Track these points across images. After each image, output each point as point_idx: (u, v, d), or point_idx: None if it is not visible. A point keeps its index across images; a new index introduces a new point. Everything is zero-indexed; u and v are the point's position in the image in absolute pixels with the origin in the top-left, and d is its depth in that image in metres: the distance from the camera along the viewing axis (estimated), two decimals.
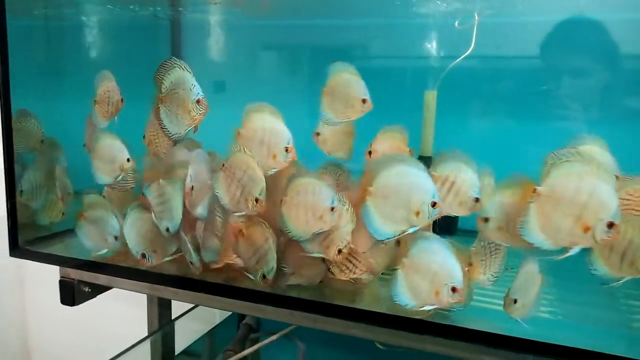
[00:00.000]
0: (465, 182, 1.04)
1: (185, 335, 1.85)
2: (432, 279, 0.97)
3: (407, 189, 1.00)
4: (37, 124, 1.56)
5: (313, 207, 1.06)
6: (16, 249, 1.42)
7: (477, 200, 1.03)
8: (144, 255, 1.26)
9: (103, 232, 1.32)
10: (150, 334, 1.80)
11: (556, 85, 1.51)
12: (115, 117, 1.39)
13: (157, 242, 1.27)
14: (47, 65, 1.86)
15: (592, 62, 1.49)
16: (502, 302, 1.01)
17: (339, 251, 1.07)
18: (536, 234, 0.93)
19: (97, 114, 1.38)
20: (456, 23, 1.48)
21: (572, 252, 0.91)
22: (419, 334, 1.01)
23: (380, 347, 1.53)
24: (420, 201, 0.98)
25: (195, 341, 1.87)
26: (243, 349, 1.68)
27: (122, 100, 1.38)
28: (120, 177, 1.32)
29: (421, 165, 1.00)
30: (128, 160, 1.31)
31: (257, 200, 1.09)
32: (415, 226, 1.01)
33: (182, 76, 1.12)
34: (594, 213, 0.86)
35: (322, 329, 1.10)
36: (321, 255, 1.10)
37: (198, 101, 1.11)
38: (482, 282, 1.09)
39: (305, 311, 1.11)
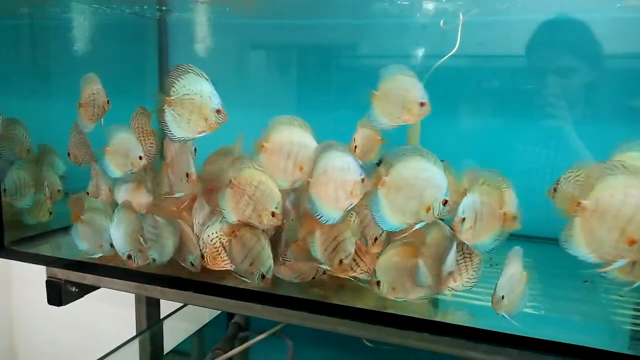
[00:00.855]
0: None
1: (174, 334, 1.85)
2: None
3: (422, 184, 1.00)
4: (24, 132, 1.55)
5: (343, 183, 1.05)
6: (2, 249, 1.41)
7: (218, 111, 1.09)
8: (129, 257, 1.27)
9: (100, 238, 1.32)
10: (138, 333, 1.80)
11: (543, 83, 1.53)
12: (102, 120, 1.39)
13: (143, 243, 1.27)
14: (30, 66, 1.85)
15: (579, 60, 1.51)
16: (490, 299, 1.02)
17: (340, 261, 1.07)
18: (581, 247, 0.93)
19: (82, 117, 1.39)
20: (441, 22, 1.49)
21: (615, 266, 0.92)
22: (406, 329, 1.02)
23: (368, 344, 1.55)
24: (433, 197, 0.99)
25: (184, 340, 1.86)
26: (232, 347, 1.68)
27: (108, 102, 1.38)
28: (131, 172, 1.33)
29: (439, 161, 1.00)
30: (140, 158, 1.32)
31: (273, 213, 1.09)
32: (423, 221, 1.02)
33: (200, 83, 1.11)
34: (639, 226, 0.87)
35: (311, 327, 1.11)
36: (325, 266, 1.11)
37: (218, 110, 1.11)
38: (455, 288, 1.11)
39: (293, 309, 1.12)
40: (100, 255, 1.35)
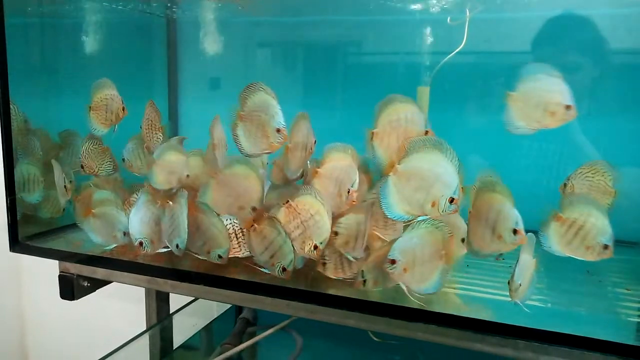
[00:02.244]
0: (594, 227, 1.02)
1: (183, 329, 1.87)
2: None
3: (433, 177, 1.00)
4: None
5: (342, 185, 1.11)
6: (16, 244, 1.44)
7: (606, 247, 1.01)
8: (141, 243, 1.29)
9: (113, 228, 1.34)
10: (148, 328, 1.82)
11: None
12: (115, 126, 1.42)
13: (157, 232, 1.30)
14: (41, 64, 1.87)
15: (584, 57, 1.52)
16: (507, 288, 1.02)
17: (315, 247, 1.10)
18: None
19: (93, 120, 1.40)
20: (448, 19, 1.50)
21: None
22: (414, 321, 1.03)
23: (375, 339, 1.56)
24: (440, 193, 0.99)
25: (193, 335, 1.88)
26: (240, 342, 1.69)
27: (123, 108, 1.40)
28: (175, 189, 1.34)
29: (456, 159, 0.99)
30: (187, 176, 1.35)
31: (316, 247, 1.11)
32: (426, 215, 1.02)
33: (267, 101, 1.14)
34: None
35: (320, 320, 1.13)
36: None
37: (278, 130, 1.13)
38: None
39: (302, 302, 1.13)
40: (115, 245, 1.37)
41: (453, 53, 1.46)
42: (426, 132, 1.10)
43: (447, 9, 1.49)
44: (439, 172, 1.00)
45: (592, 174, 1.18)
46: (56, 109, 1.75)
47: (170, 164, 1.34)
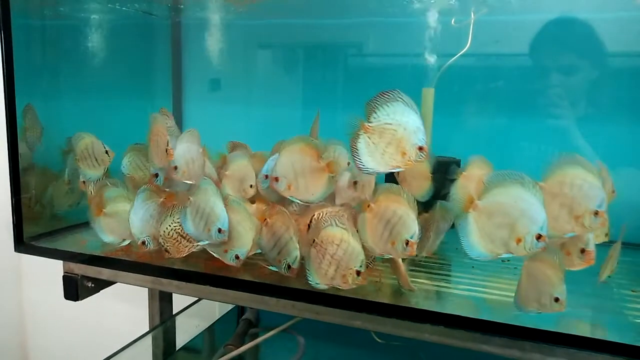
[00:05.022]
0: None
1: (185, 330, 1.87)
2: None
3: (517, 214, 0.95)
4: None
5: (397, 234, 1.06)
6: (21, 244, 1.44)
7: (420, 148, 1.00)
8: (144, 242, 1.30)
9: (126, 225, 1.33)
10: (151, 329, 1.82)
11: (553, 82, 1.54)
12: (106, 168, 1.44)
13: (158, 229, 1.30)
14: (45, 64, 1.87)
15: (587, 60, 1.52)
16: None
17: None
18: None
19: (82, 169, 1.43)
20: (452, 21, 1.50)
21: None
22: (421, 322, 1.03)
23: (379, 340, 1.56)
24: (526, 230, 0.94)
25: (195, 337, 1.88)
26: (243, 343, 1.69)
27: (107, 152, 1.43)
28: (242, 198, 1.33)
29: (539, 193, 0.95)
30: (251, 186, 1.37)
31: (358, 273, 1.04)
32: (510, 253, 0.97)
33: (407, 114, 1.01)
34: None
35: (325, 321, 1.12)
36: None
37: (420, 148, 1.01)
38: None
39: (308, 302, 1.13)
40: (129, 242, 1.38)
41: (458, 55, 1.47)
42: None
43: (452, 11, 1.49)
44: (523, 207, 0.95)
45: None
46: (58, 111, 1.75)
47: (238, 173, 1.38)
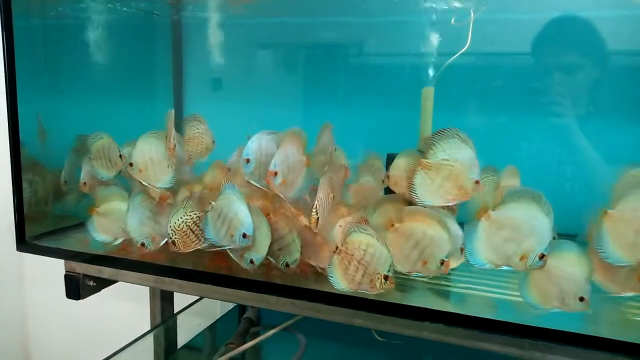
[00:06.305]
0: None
1: (187, 329, 1.88)
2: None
3: (528, 231, 0.96)
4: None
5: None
6: (23, 243, 1.44)
7: (477, 182, 1.04)
8: (143, 244, 1.30)
9: (121, 221, 1.34)
10: (153, 328, 1.82)
11: (552, 81, 1.54)
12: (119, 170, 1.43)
13: (156, 229, 1.31)
14: (46, 64, 1.88)
15: (587, 59, 1.52)
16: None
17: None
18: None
19: (97, 168, 1.41)
20: (452, 20, 1.51)
21: None
22: (421, 321, 1.03)
23: (379, 338, 1.57)
24: (532, 248, 0.96)
25: (196, 335, 1.89)
26: (244, 342, 1.70)
27: (121, 156, 1.41)
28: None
29: (552, 214, 0.96)
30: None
31: (386, 277, 1.03)
32: (509, 267, 0.99)
33: (462, 151, 1.06)
34: None
35: (326, 319, 1.13)
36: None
37: (476, 182, 1.06)
38: None
39: (309, 301, 1.13)
40: (123, 240, 1.38)
41: (458, 54, 1.47)
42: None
43: (452, 10, 1.49)
44: (534, 225, 0.97)
45: None
46: (60, 112, 1.75)
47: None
